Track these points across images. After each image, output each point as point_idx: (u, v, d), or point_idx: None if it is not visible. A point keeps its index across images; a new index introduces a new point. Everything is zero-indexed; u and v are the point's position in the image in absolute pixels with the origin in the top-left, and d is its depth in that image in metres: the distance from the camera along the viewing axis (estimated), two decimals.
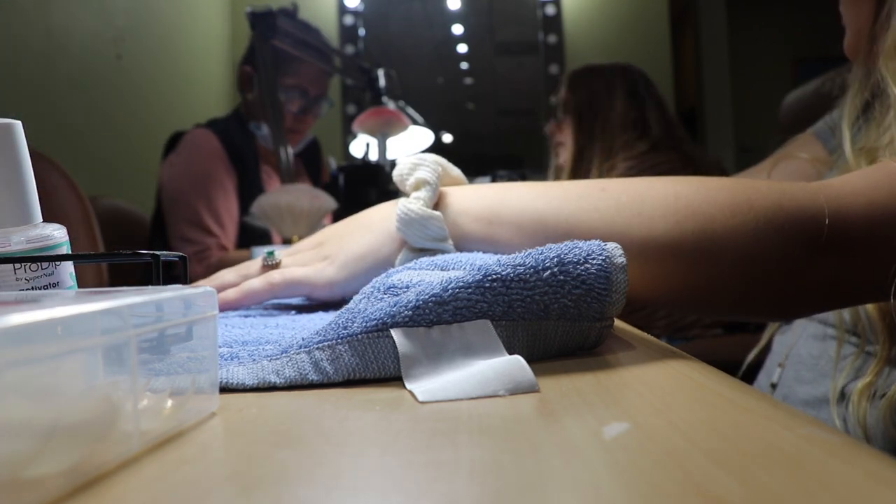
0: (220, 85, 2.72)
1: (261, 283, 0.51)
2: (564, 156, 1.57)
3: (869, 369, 0.58)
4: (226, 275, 0.55)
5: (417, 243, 0.45)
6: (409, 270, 0.36)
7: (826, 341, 0.66)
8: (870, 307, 0.58)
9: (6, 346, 0.16)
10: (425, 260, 0.38)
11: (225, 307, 0.52)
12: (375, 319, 0.30)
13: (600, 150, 1.47)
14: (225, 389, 0.29)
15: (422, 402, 0.26)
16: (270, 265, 0.53)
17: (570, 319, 0.32)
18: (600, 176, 1.43)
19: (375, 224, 0.49)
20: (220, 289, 0.53)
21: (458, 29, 3.16)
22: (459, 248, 0.46)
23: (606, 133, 1.48)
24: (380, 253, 0.48)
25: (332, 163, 1.53)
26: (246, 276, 0.53)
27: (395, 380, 0.29)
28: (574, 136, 1.51)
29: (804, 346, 0.70)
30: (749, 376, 0.76)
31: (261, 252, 0.99)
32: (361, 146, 1.54)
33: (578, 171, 1.50)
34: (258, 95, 1.50)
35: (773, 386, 0.72)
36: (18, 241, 0.33)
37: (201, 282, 0.57)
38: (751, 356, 0.76)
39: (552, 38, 2.98)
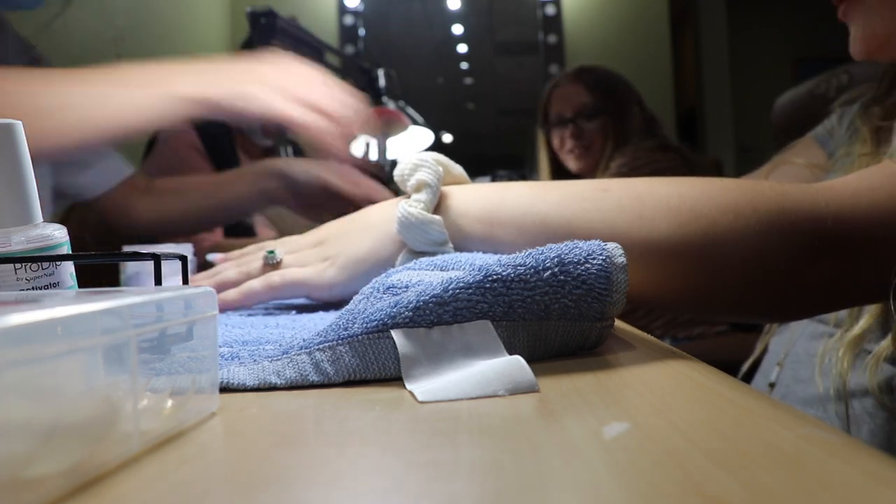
0: None
1: (261, 285, 0.51)
2: (587, 161, 1.52)
3: (860, 323, 0.58)
4: (227, 272, 0.55)
5: (418, 247, 0.45)
6: (409, 270, 0.36)
7: (824, 339, 0.66)
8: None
9: (6, 346, 0.16)
10: (425, 260, 0.38)
11: (225, 308, 0.52)
12: (376, 320, 0.30)
13: (620, 154, 1.46)
14: (225, 389, 0.29)
15: (422, 402, 0.26)
16: (271, 265, 0.53)
17: (571, 319, 0.32)
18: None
19: (376, 225, 0.49)
20: (221, 287, 0.53)
21: (458, 29, 3.16)
22: (460, 249, 0.46)
23: (630, 138, 1.47)
24: (380, 255, 0.48)
25: None
26: (247, 273, 0.54)
27: (396, 380, 0.29)
28: (612, 139, 1.47)
29: (802, 345, 0.70)
30: (747, 379, 0.76)
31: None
32: (361, 146, 1.54)
33: (604, 174, 1.48)
34: None
35: (772, 385, 0.72)
36: (19, 240, 0.33)
37: (200, 276, 0.57)
38: (746, 365, 0.76)
39: (552, 38, 2.98)
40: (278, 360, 0.31)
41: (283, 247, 0.54)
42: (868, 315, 0.57)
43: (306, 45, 1.43)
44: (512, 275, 0.31)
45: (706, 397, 0.25)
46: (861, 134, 0.65)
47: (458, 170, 0.50)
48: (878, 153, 0.61)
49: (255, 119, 0.65)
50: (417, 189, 0.46)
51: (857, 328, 0.57)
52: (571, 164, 1.55)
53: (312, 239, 0.54)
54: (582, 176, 1.56)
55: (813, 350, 0.67)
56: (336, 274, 0.49)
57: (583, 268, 0.32)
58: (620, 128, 1.48)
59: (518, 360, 0.28)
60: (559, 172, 1.60)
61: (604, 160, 1.49)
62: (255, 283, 0.51)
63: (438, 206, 0.46)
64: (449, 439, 0.21)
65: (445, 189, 0.47)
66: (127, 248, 0.64)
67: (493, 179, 1.64)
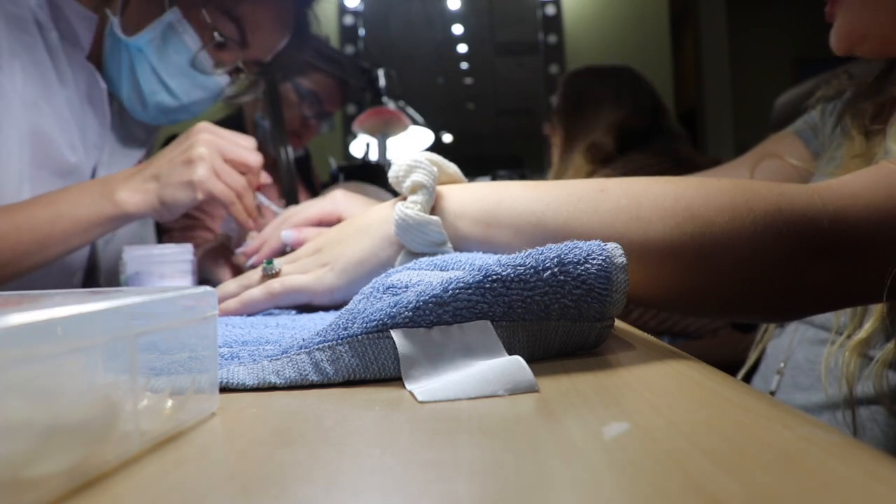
0: None
1: (261, 292, 0.51)
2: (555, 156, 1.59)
3: (865, 327, 0.57)
4: (228, 286, 0.55)
5: (416, 248, 0.45)
6: (409, 270, 0.36)
7: (823, 346, 0.66)
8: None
9: (6, 346, 0.16)
10: (425, 260, 0.38)
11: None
12: (375, 320, 0.30)
13: (583, 151, 1.48)
14: (225, 389, 0.29)
15: (421, 402, 0.26)
16: (270, 274, 0.53)
17: (571, 320, 0.32)
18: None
19: (373, 228, 0.49)
20: (221, 299, 0.53)
21: (458, 29, 3.16)
22: (458, 250, 0.45)
23: (590, 135, 1.48)
24: (379, 257, 0.48)
25: (332, 163, 1.53)
26: (247, 286, 0.54)
27: (395, 380, 0.29)
28: (560, 137, 1.53)
29: (801, 351, 0.69)
30: (745, 380, 0.76)
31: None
32: (361, 146, 1.54)
33: (562, 173, 1.51)
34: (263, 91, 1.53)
35: (772, 394, 0.72)
36: None
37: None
38: (744, 370, 0.76)
39: (552, 38, 2.98)
40: (278, 359, 0.31)
41: (282, 259, 0.55)
42: (872, 319, 0.57)
43: (335, 62, 1.44)
44: (512, 275, 0.31)
45: (706, 397, 0.25)
46: (850, 135, 0.65)
47: (452, 168, 0.50)
48: (869, 154, 0.61)
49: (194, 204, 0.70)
50: (413, 191, 0.46)
51: (863, 332, 0.57)
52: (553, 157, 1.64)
53: (310, 247, 0.54)
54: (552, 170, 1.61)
55: (814, 357, 0.67)
56: (335, 278, 0.49)
57: (583, 268, 0.32)
58: (565, 128, 1.53)
59: (517, 360, 0.28)
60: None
61: (557, 159, 1.54)
62: (255, 292, 0.52)
63: (435, 207, 0.46)
64: (449, 439, 0.21)
65: (441, 189, 0.47)
66: None
67: (493, 179, 1.65)
